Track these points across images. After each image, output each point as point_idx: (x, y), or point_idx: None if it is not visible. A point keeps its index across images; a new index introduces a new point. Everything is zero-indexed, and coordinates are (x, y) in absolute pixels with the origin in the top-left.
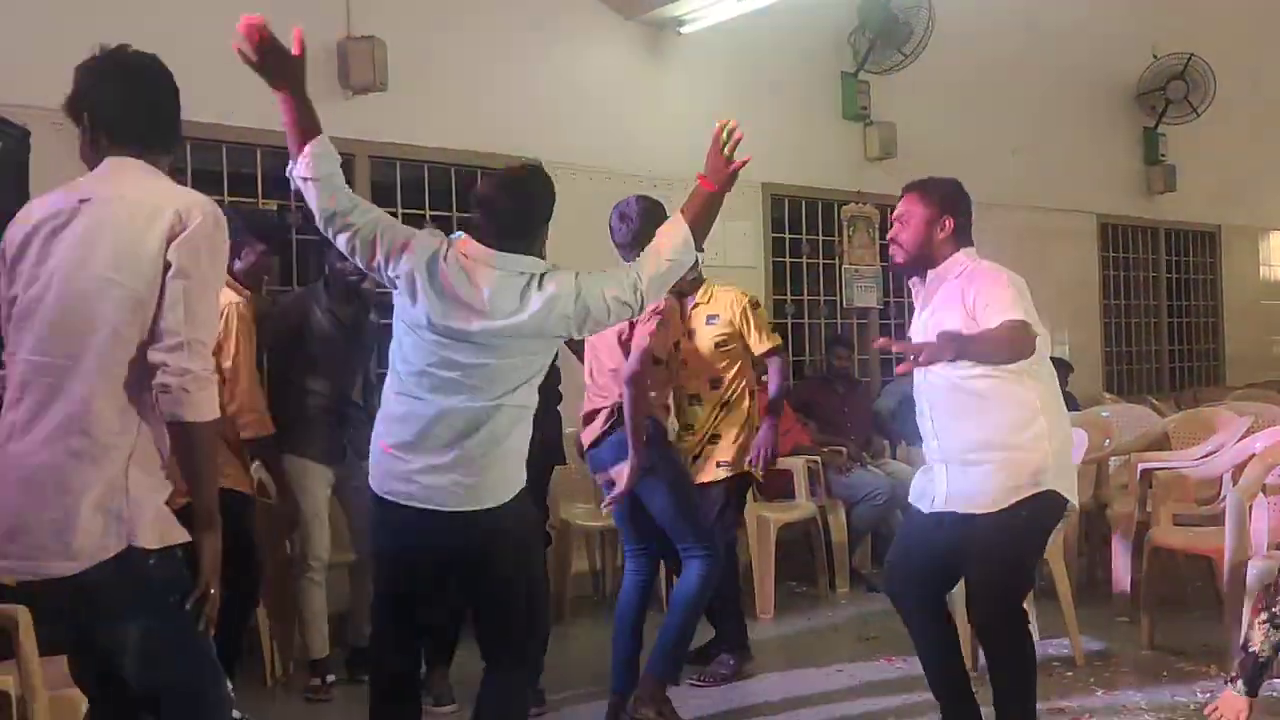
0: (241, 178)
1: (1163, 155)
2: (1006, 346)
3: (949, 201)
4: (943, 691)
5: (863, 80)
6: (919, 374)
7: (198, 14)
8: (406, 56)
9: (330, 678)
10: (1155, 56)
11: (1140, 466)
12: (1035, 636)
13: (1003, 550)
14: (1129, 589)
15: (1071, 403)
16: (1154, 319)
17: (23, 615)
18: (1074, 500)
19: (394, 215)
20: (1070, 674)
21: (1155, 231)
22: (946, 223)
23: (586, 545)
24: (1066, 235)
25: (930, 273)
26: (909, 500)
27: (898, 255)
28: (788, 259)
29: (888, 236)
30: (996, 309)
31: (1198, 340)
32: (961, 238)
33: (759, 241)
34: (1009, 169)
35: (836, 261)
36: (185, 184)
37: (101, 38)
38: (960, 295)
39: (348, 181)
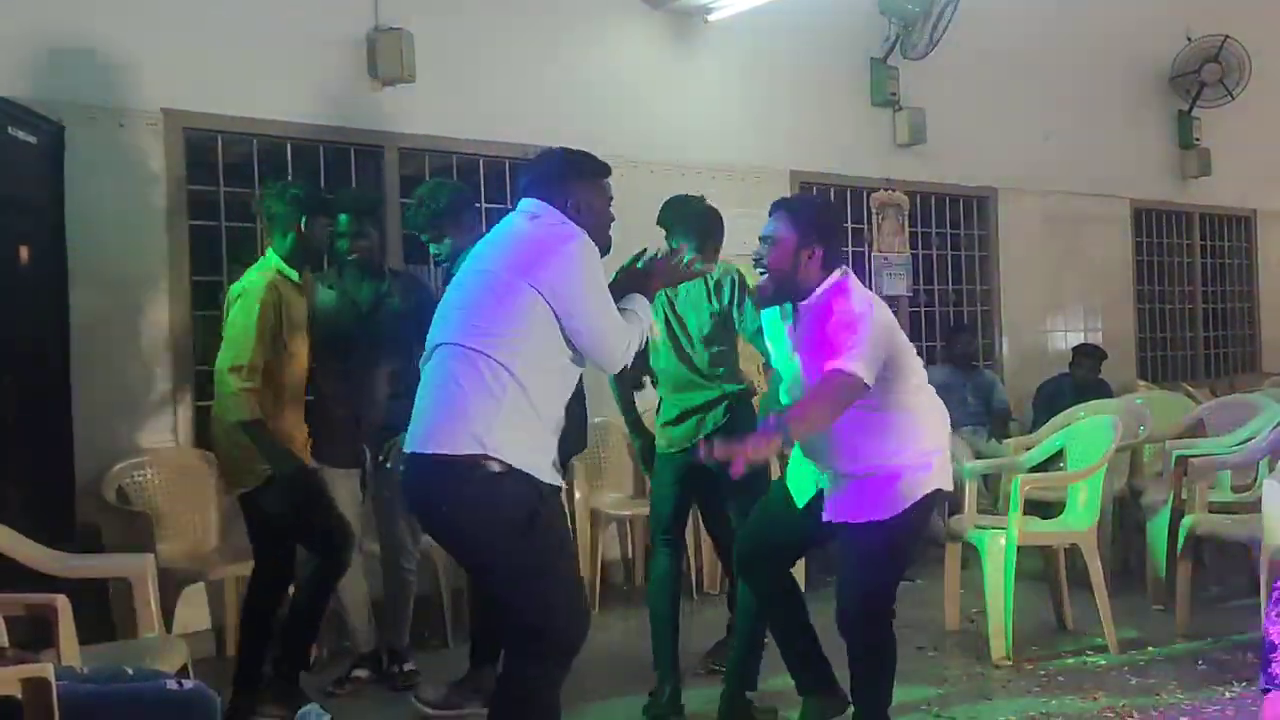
0: (273, 171)
1: (1197, 139)
2: (827, 407)
3: (818, 228)
4: (797, 661)
5: (891, 65)
6: (792, 383)
7: (225, 10)
8: (434, 48)
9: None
10: (1189, 39)
11: (1175, 453)
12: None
13: (884, 554)
14: (1164, 577)
15: (1105, 390)
16: (1188, 305)
17: (62, 603)
18: (948, 486)
19: None
20: (1104, 663)
21: (1189, 216)
22: (815, 251)
23: (618, 532)
24: (1099, 221)
25: (802, 305)
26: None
27: (765, 285)
28: None
29: (753, 256)
30: (832, 353)
31: (1233, 326)
32: (830, 263)
33: None
34: (1040, 154)
35: (865, 249)
36: (217, 178)
37: (132, 34)
38: (823, 326)
39: (377, 173)
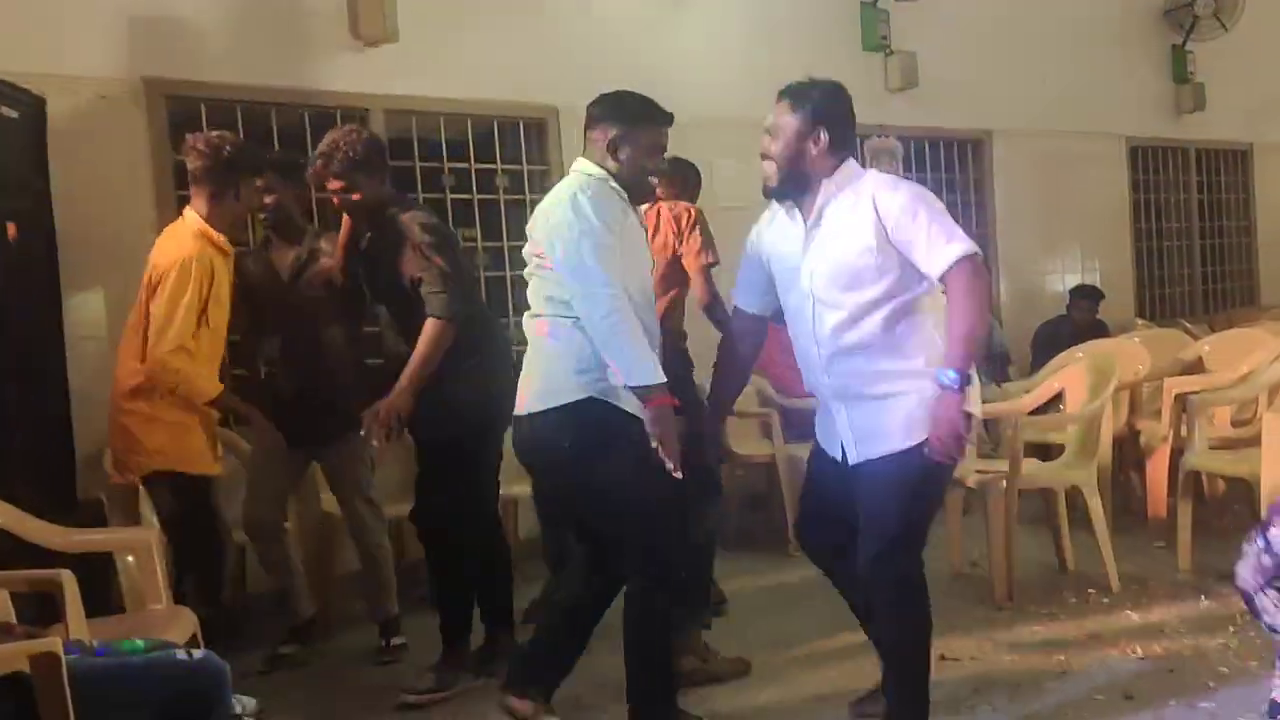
0: (256, 138)
1: (1191, 73)
2: (977, 304)
3: (824, 110)
4: (865, 612)
5: (882, 9)
6: (798, 298)
7: None
8: (417, 6)
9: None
10: None
11: (1174, 391)
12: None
13: (912, 484)
14: (1164, 514)
15: (1103, 330)
16: (1186, 241)
17: (67, 577)
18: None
19: (411, 170)
20: (1106, 600)
21: (1185, 152)
22: (820, 135)
23: None
24: (1095, 159)
25: (825, 183)
26: (816, 440)
27: (770, 177)
28: None
29: (759, 151)
30: (936, 241)
31: (1231, 261)
32: (837, 154)
33: None
34: (1034, 94)
35: None
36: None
37: (117, 6)
38: (855, 210)
39: None
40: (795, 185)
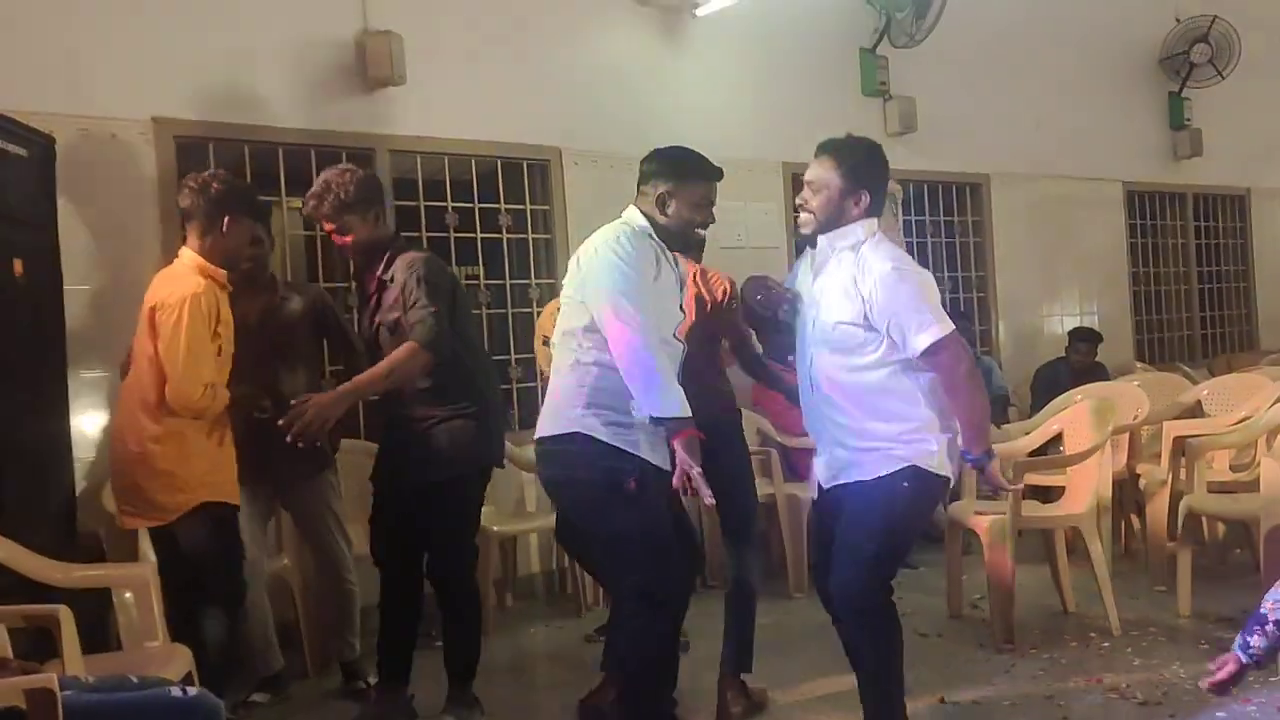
0: (264, 178)
1: (1188, 120)
2: (973, 394)
3: (867, 173)
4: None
5: (881, 55)
6: (802, 340)
7: (214, 17)
8: (424, 49)
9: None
10: (1178, 20)
11: (1173, 434)
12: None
13: (873, 517)
14: (1164, 558)
15: (1102, 373)
16: (1184, 286)
17: (64, 613)
18: (949, 474)
19: (415, 209)
20: (1107, 644)
21: (1183, 197)
22: (862, 197)
23: None
24: (1092, 204)
25: (821, 239)
26: (820, 486)
27: (806, 225)
28: None
29: (796, 202)
30: (915, 327)
31: (1229, 306)
32: (871, 212)
33: (781, 221)
34: (1032, 139)
35: None
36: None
37: (127, 47)
38: (853, 281)
39: None
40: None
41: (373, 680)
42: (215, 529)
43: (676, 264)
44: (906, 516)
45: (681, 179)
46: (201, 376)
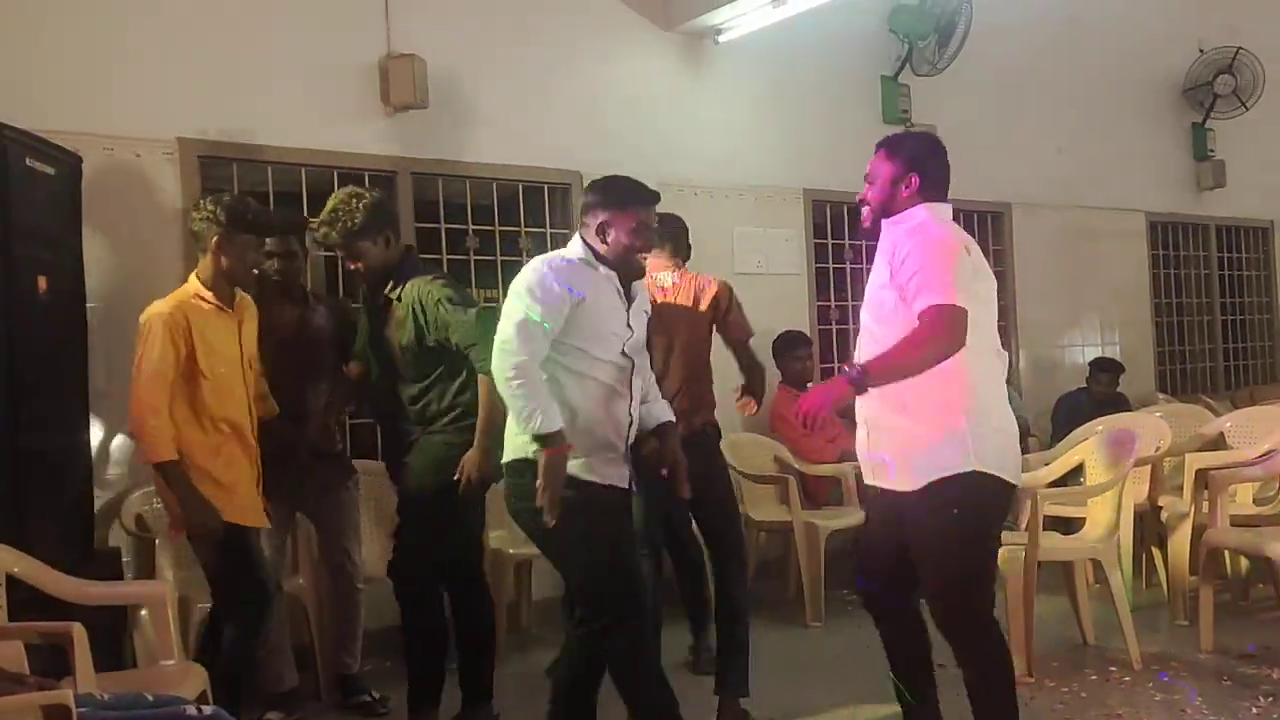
0: (286, 198)
1: (1211, 151)
2: (924, 349)
3: (916, 158)
4: (909, 696)
5: (902, 83)
6: (864, 317)
7: (238, 40)
8: (446, 74)
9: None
10: (1201, 51)
11: (1195, 466)
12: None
13: (933, 537)
14: (1186, 591)
15: (1124, 404)
16: (1207, 317)
17: (78, 631)
18: (1017, 481)
19: (436, 231)
20: (1127, 678)
21: (1206, 228)
22: (912, 180)
23: None
24: (1115, 234)
25: (885, 224)
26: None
27: (865, 217)
28: (830, 265)
29: (857, 198)
30: (923, 286)
31: (1252, 338)
32: (928, 195)
33: (801, 248)
34: (1054, 168)
35: None
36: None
37: (146, 65)
38: (891, 249)
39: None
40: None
41: (376, 695)
42: (221, 549)
43: (624, 289)
44: (965, 527)
45: (619, 207)
46: (142, 400)
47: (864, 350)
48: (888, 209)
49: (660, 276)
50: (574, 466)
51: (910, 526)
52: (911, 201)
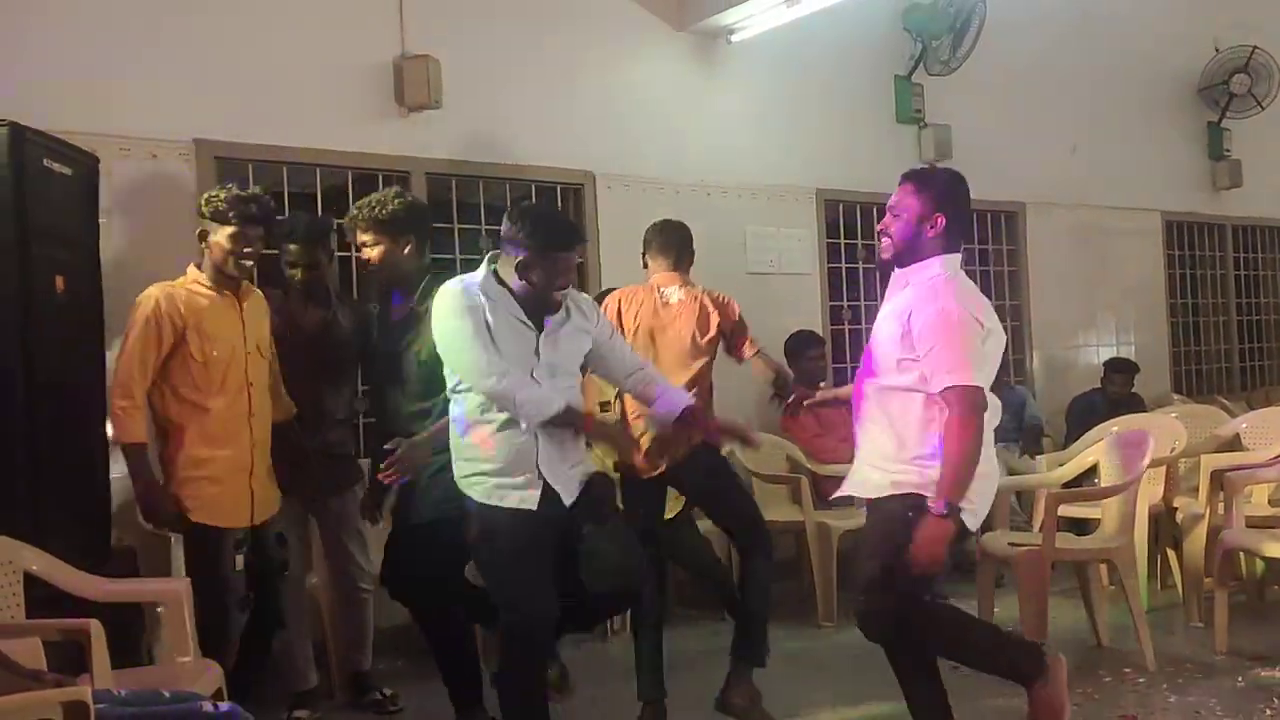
0: (302, 198)
1: (1227, 150)
2: (965, 442)
3: (945, 198)
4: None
5: (916, 82)
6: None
7: (254, 41)
8: (461, 74)
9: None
10: (1217, 50)
11: (1211, 467)
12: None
13: (878, 540)
14: (1201, 593)
15: (1139, 404)
16: (1223, 317)
17: (95, 628)
18: (974, 528)
19: (450, 231)
20: (1143, 680)
21: (1222, 228)
22: (938, 220)
23: None
24: (1130, 234)
25: (899, 273)
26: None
27: (886, 249)
28: (843, 265)
29: (878, 227)
30: (940, 365)
31: (1269, 338)
32: (950, 240)
33: (814, 248)
34: (1069, 168)
35: None
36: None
37: (163, 66)
38: (906, 310)
39: None
40: (906, 262)
41: (388, 691)
42: (194, 549)
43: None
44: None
45: (541, 252)
46: (118, 381)
47: (869, 384)
48: (911, 246)
49: (667, 292)
50: (477, 492)
51: (867, 529)
52: (934, 246)
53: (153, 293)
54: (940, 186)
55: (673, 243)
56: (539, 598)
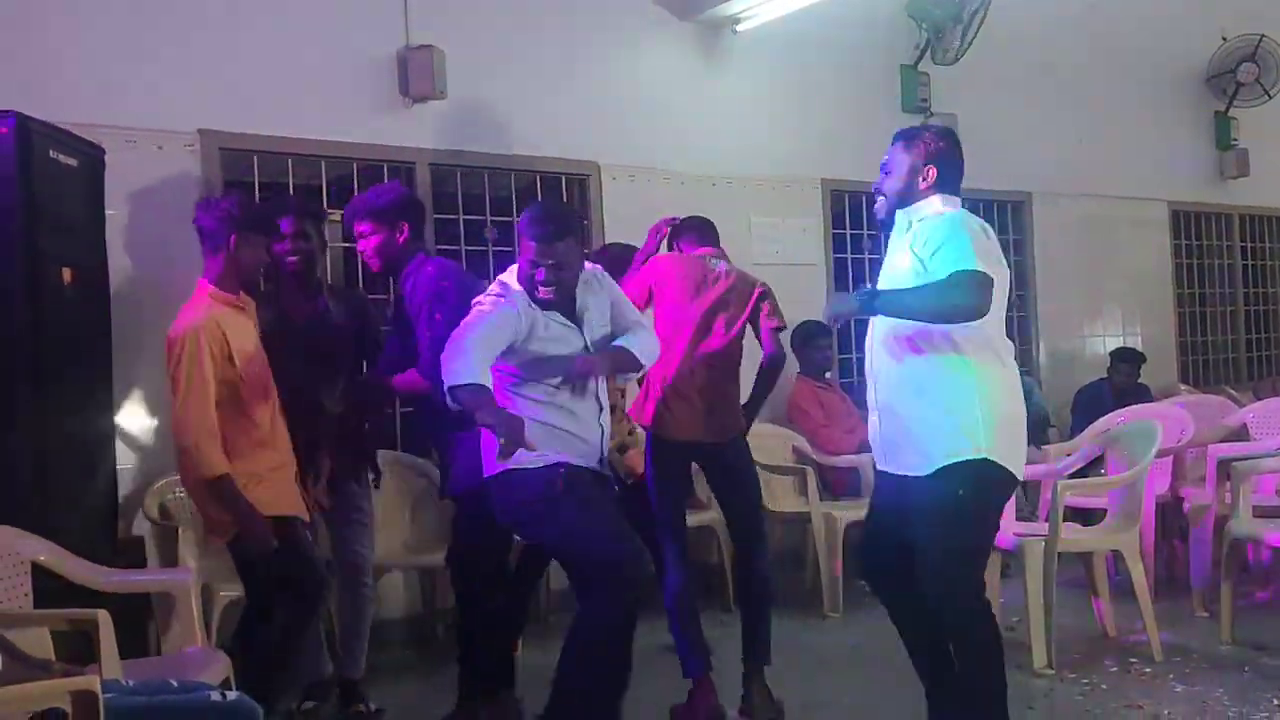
0: (307, 189)
1: (1235, 139)
2: (945, 298)
3: (935, 151)
4: (927, 677)
5: (922, 71)
6: (872, 330)
7: (258, 32)
8: (465, 65)
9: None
10: (1224, 39)
11: (1217, 457)
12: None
13: (937, 514)
14: (1208, 583)
15: (1145, 394)
16: (1230, 307)
17: (103, 618)
18: (1019, 475)
19: (455, 223)
20: (1149, 670)
21: (1229, 218)
22: (929, 172)
23: None
24: (1137, 224)
25: (900, 213)
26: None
27: (880, 209)
28: (849, 255)
29: (872, 187)
30: (947, 259)
31: (1276, 328)
32: (943, 187)
33: (820, 238)
34: (1075, 157)
35: None
36: (253, 197)
37: (168, 57)
38: (910, 239)
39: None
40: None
41: (373, 706)
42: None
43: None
44: (968, 514)
45: (519, 238)
46: (194, 423)
47: (880, 333)
48: (904, 199)
49: (712, 262)
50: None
51: (915, 506)
52: (929, 193)
53: (198, 322)
54: (929, 140)
55: (709, 235)
56: (636, 541)
